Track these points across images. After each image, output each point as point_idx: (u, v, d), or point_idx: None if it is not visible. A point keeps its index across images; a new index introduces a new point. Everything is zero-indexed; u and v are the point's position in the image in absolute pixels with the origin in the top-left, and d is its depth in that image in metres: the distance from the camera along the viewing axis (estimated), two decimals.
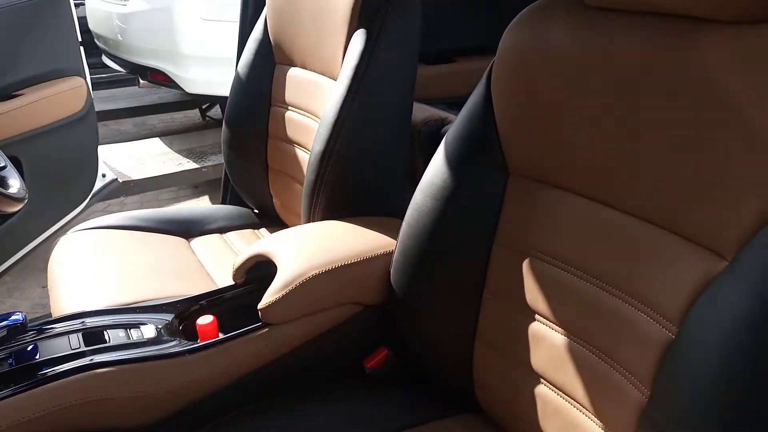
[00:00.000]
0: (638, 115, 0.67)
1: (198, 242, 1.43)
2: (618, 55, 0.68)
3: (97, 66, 3.48)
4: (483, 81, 0.86)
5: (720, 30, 0.60)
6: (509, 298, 0.83)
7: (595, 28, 0.71)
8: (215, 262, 1.34)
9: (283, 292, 0.91)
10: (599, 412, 0.71)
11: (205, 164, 2.93)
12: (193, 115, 4.08)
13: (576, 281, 0.75)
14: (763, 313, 0.53)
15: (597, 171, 0.72)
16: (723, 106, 0.59)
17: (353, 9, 1.14)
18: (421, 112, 1.37)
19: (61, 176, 1.92)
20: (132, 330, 0.91)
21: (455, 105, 1.91)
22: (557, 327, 0.77)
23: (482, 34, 1.85)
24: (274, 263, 0.97)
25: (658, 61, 0.64)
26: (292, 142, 1.36)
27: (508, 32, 0.82)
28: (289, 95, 1.37)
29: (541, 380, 0.79)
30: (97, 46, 3.51)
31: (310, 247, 0.99)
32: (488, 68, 0.86)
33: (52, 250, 1.32)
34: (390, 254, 0.98)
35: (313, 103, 1.29)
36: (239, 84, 1.45)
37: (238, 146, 1.48)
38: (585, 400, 0.73)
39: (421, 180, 0.92)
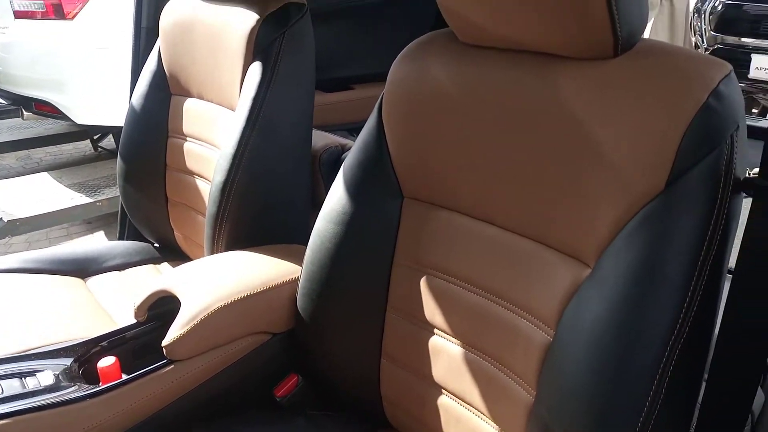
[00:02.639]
0: (509, 141, 0.74)
1: (95, 281, 1.38)
2: (489, 86, 0.76)
3: None
4: (375, 111, 0.91)
5: (571, 65, 0.68)
6: (410, 315, 0.88)
7: (469, 62, 0.79)
8: (115, 301, 1.29)
9: (188, 327, 0.90)
10: (494, 416, 0.77)
11: (99, 198, 2.78)
12: (84, 146, 3.87)
13: (467, 294, 0.81)
14: (617, 314, 0.61)
15: (478, 192, 0.79)
16: (576, 132, 0.67)
17: (248, 41, 1.16)
18: (321, 139, 1.41)
19: None
20: (27, 378, 0.86)
21: (354, 131, 1.97)
22: (454, 339, 0.82)
23: (377, 61, 1.92)
24: (177, 298, 0.97)
25: (523, 92, 0.72)
26: (192, 174, 1.35)
27: (395, 66, 0.88)
28: (187, 126, 1.36)
29: (443, 391, 0.84)
30: None
31: (213, 280, 0.99)
32: (379, 99, 0.91)
33: None
34: (296, 281, 1.00)
35: (212, 134, 1.29)
36: (134, 116, 1.42)
37: (135, 179, 1.45)
38: (482, 406, 0.79)
39: (323, 207, 0.95)
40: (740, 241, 0.67)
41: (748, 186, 0.63)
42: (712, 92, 0.61)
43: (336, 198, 0.93)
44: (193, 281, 0.99)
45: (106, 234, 2.86)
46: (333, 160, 1.38)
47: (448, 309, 0.83)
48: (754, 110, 3.35)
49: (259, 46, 1.16)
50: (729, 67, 0.63)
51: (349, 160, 0.93)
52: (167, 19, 1.36)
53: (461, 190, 0.81)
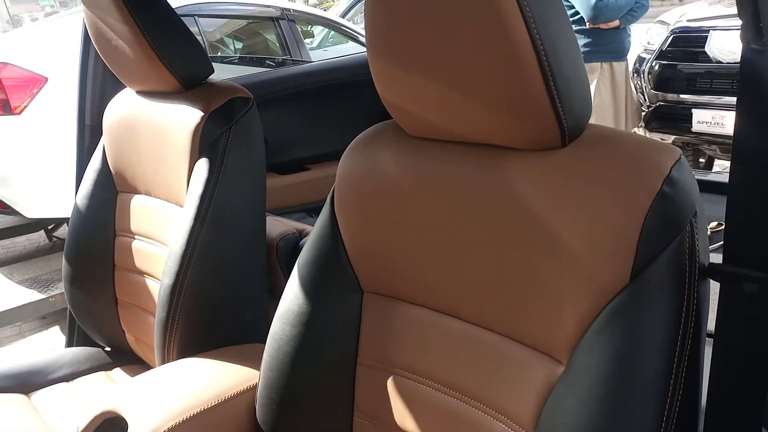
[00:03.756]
0: (465, 234, 0.71)
1: (41, 396, 1.28)
2: (441, 178, 0.73)
3: None
4: (327, 203, 0.88)
5: (520, 156, 0.67)
6: (379, 420, 0.82)
7: (419, 154, 0.77)
8: (63, 418, 1.20)
9: None
10: None
11: (53, 293, 2.67)
12: (38, 237, 3.74)
13: (438, 395, 0.75)
14: (598, 417, 0.57)
15: (440, 285, 0.75)
16: (531, 224, 0.65)
17: (193, 139, 1.13)
18: (276, 226, 1.37)
19: None
20: None
21: (313, 211, 1.94)
22: None
23: (331, 141, 1.92)
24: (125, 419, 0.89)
25: (474, 184, 0.70)
26: (141, 273, 1.29)
27: (345, 158, 0.86)
28: (135, 224, 1.31)
29: None
30: None
31: (163, 396, 0.91)
32: (331, 192, 0.88)
33: None
34: (253, 388, 0.93)
35: (161, 231, 1.24)
36: (79, 216, 1.37)
37: (82, 281, 1.37)
38: None
39: (278, 307, 0.90)
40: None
41: (713, 272, 0.61)
42: (665, 179, 0.59)
43: (291, 297, 0.88)
44: (140, 399, 0.91)
45: (61, 329, 2.72)
46: (290, 247, 1.33)
47: (419, 412, 0.77)
48: (701, 160, 3.47)
49: (204, 143, 1.13)
50: (678, 152, 0.62)
51: (304, 256, 0.89)
52: (111, 116, 1.33)
53: (422, 283, 0.78)
